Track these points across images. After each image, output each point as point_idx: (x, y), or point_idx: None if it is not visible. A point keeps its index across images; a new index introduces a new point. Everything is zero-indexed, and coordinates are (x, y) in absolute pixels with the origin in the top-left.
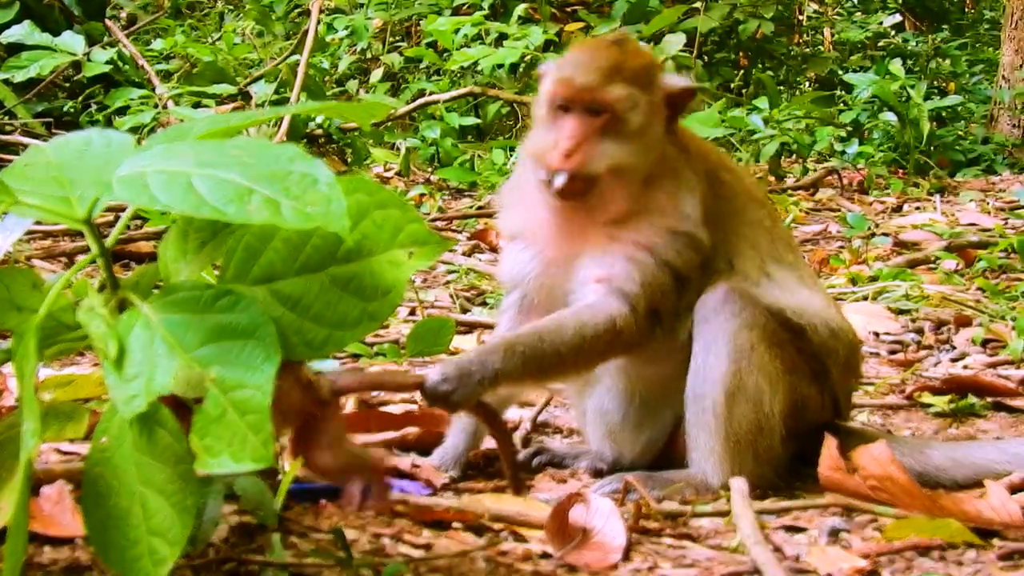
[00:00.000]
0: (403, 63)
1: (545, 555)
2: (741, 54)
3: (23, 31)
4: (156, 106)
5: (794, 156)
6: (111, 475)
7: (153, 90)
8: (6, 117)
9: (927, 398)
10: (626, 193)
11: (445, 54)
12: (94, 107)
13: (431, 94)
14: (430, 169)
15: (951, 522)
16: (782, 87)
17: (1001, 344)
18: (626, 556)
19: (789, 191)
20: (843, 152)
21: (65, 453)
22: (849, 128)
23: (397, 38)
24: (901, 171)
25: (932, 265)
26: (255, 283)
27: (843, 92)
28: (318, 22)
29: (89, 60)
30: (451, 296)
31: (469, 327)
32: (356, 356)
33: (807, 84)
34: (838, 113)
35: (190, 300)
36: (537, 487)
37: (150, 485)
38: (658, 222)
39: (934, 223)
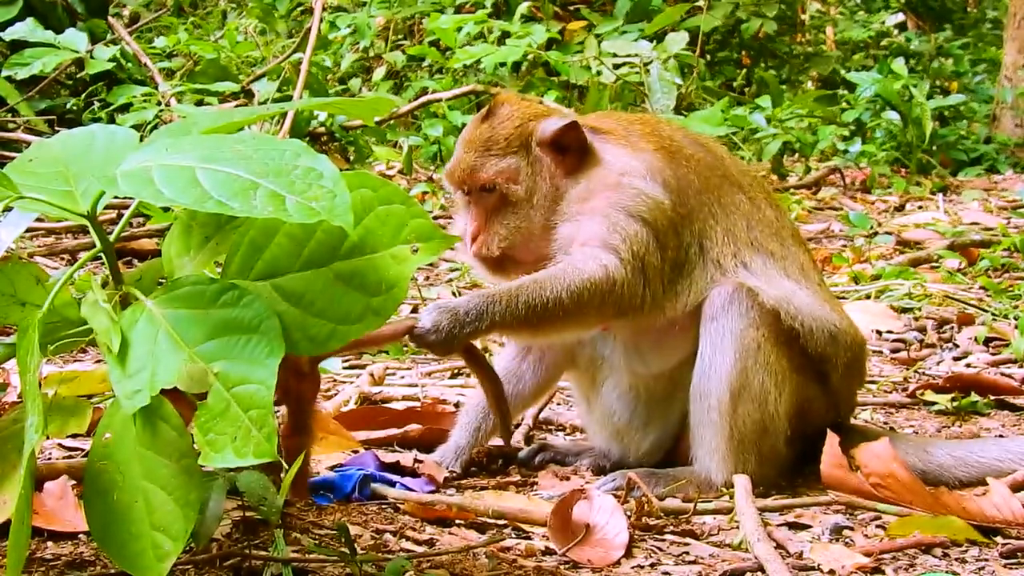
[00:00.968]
0: (406, 61)
1: (548, 551)
2: (744, 53)
3: (26, 28)
4: (159, 104)
5: (797, 155)
6: (114, 470)
7: (156, 88)
8: (9, 114)
9: (930, 396)
10: (536, 243)
11: (448, 52)
12: (97, 105)
13: (433, 92)
14: (432, 167)
15: (954, 520)
16: (784, 86)
17: (1004, 342)
18: (628, 553)
19: (792, 190)
20: (846, 151)
21: (68, 448)
22: (852, 127)
23: (400, 36)
24: (904, 170)
25: (935, 264)
26: (259, 278)
27: (846, 91)
28: (321, 20)
29: (92, 57)
30: (453, 293)
31: None
32: (359, 352)
33: (809, 83)
34: (841, 112)
35: (194, 295)
36: (540, 484)
37: (153, 480)
38: (606, 189)
39: (937, 222)
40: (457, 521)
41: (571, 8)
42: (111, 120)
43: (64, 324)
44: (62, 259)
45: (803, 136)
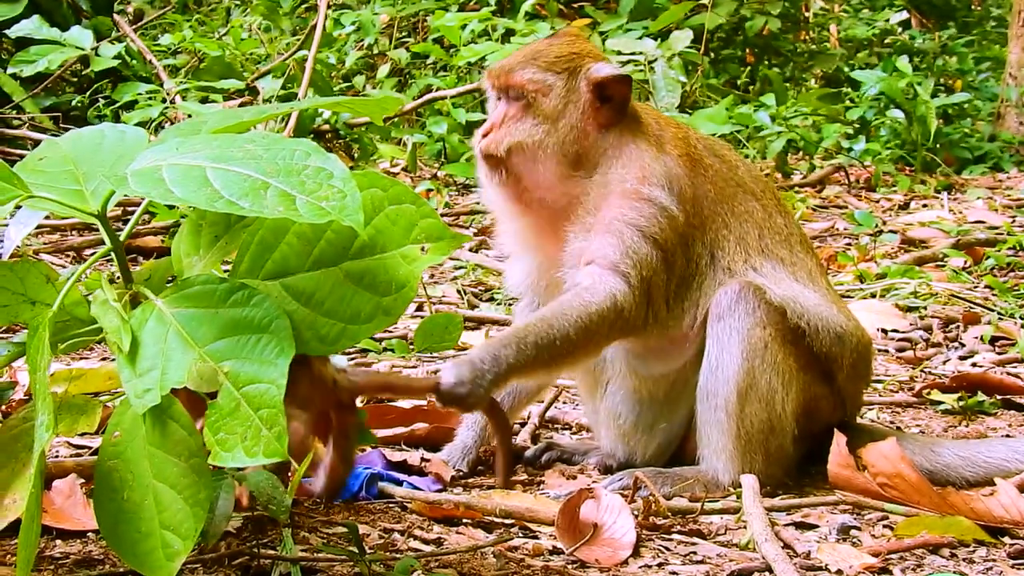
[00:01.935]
0: (410, 59)
1: (555, 551)
2: (748, 51)
3: (31, 26)
4: (164, 101)
5: (801, 153)
6: (124, 469)
7: (161, 85)
8: (14, 111)
9: (936, 396)
10: (543, 172)
11: (452, 50)
12: (102, 102)
13: (438, 90)
14: (437, 165)
15: (961, 520)
16: (789, 84)
17: (1010, 342)
18: (636, 552)
19: (796, 188)
20: (850, 149)
21: (75, 447)
22: (856, 125)
23: (404, 34)
24: (908, 168)
25: (940, 263)
26: (268, 278)
27: (850, 89)
28: (325, 17)
29: (97, 55)
30: (458, 292)
31: (477, 323)
32: (365, 351)
33: (814, 81)
34: (845, 110)
35: (204, 294)
36: (547, 483)
37: (163, 479)
38: (622, 195)
39: (941, 220)
40: (464, 520)
41: (575, 6)
42: (116, 117)
43: (74, 323)
44: (67, 256)
45: (807, 134)
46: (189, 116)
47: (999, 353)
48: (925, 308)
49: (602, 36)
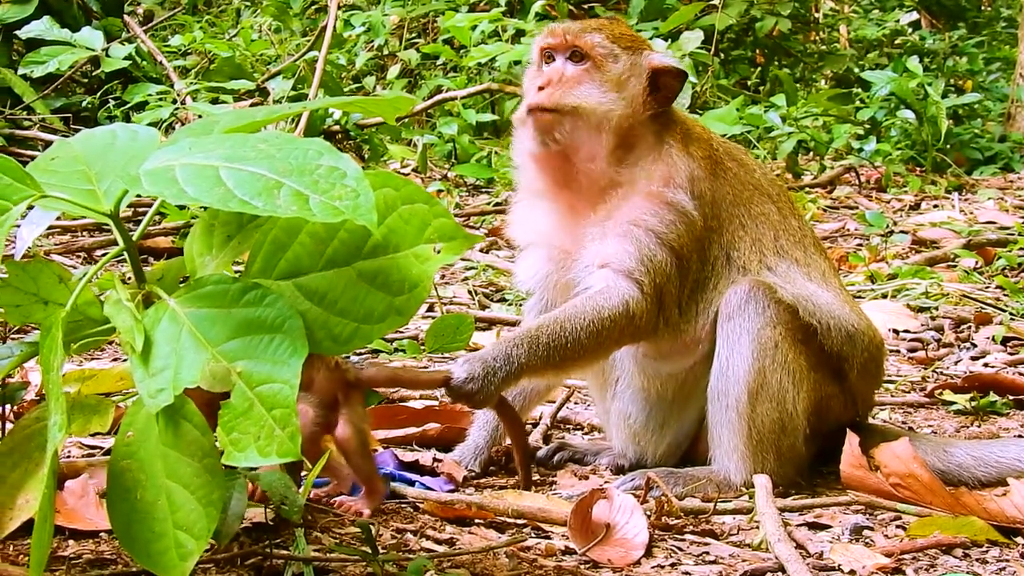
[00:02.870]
0: (420, 60)
1: (568, 551)
2: (758, 51)
3: (42, 27)
4: (174, 102)
5: (811, 154)
6: (137, 469)
7: (171, 86)
8: (24, 112)
9: (948, 396)
10: (598, 145)
11: (462, 51)
12: (112, 103)
13: (448, 91)
14: (447, 165)
15: (974, 520)
16: (799, 84)
17: (1021, 342)
18: (648, 552)
19: (807, 189)
20: (860, 150)
21: (87, 447)
22: (866, 126)
23: (414, 35)
24: (919, 169)
25: (951, 263)
26: (281, 277)
27: (860, 90)
28: (335, 18)
29: (107, 56)
30: (469, 292)
31: (488, 323)
32: (376, 352)
33: (824, 82)
34: (855, 111)
35: (217, 294)
36: (559, 483)
37: (176, 479)
38: (646, 197)
39: (952, 221)
40: (477, 520)
41: (586, 6)
42: (126, 118)
43: (87, 323)
44: (78, 257)
45: (818, 135)
46: (199, 117)
47: (1011, 353)
48: (936, 308)
49: None
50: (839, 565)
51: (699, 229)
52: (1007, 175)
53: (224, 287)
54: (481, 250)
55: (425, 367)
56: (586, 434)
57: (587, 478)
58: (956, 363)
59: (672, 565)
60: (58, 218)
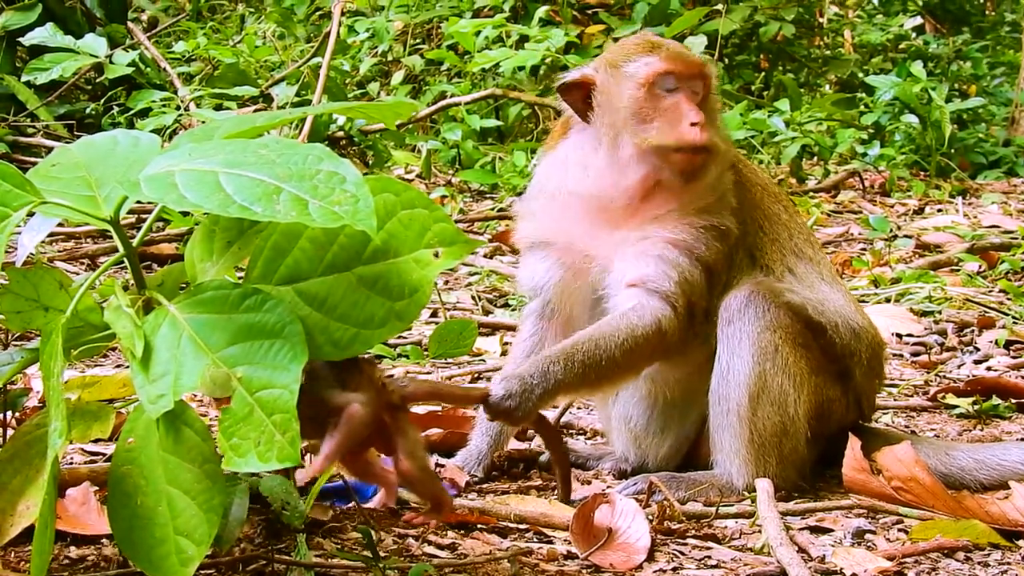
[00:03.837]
0: (424, 65)
1: (570, 555)
2: (762, 56)
3: (45, 33)
4: (178, 108)
5: (815, 158)
6: (138, 474)
7: (175, 92)
8: (28, 119)
9: (951, 400)
10: (716, 174)
11: (466, 56)
12: (116, 109)
13: (452, 96)
14: (451, 171)
15: (976, 523)
16: (803, 89)
17: None
18: (650, 557)
19: (811, 193)
20: (864, 154)
21: (89, 453)
22: (870, 130)
23: (418, 40)
24: (923, 173)
25: (955, 267)
26: (281, 283)
27: (864, 94)
28: (339, 24)
29: (111, 62)
30: (473, 298)
31: (491, 329)
32: (380, 357)
33: (828, 86)
34: (859, 115)
35: (217, 300)
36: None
37: (177, 484)
38: (692, 216)
39: (956, 225)
40: (479, 526)
41: (589, 12)
42: (130, 125)
43: (87, 329)
44: (82, 264)
45: (822, 139)
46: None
47: (1014, 357)
48: (940, 312)
49: (616, 42)
50: (841, 569)
51: (733, 239)
52: (1011, 179)
53: (224, 293)
54: (485, 255)
55: (428, 373)
56: (589, 439)
57: (589, 483)
58: (959, 367)
59: (674, 569)
60: (61, 225)
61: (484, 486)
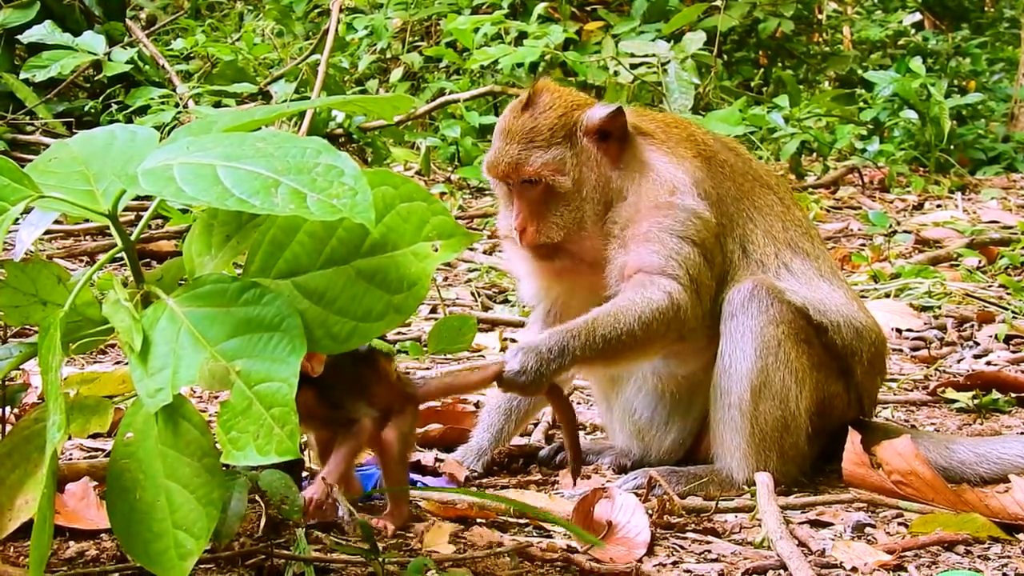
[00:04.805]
0: (423, 62)
1: (570, 550)
2: (761, 53)
3: (44, 31)
4: (176, 105)
5: (815, 154)
6: (136, 469)
7: (173, 90)
8: (27, 117)
9: (951, 394)
10: (588, 235)
11: (465, 53)
12: (115, 107)
13: (451, 93)
14: (450, 168)
15: (976, 517)
16: (802, 85)
17: None
18: (650, 551)
19: (810, 189)
20: (864, 150)
21: (88, 449)
22: (870, 126)
23: (417, 38)
24: (922, 169)
25: (954, 262)
26: (280, 276)
27: (863, 90)
28: (338, 22)
29: (110, 60)
30: (472, 294)
31: (491, 324)
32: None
33: (827, 83)
34: (858, 111)
35: (215, 293)
36: (561, 483)
37: (175, 479)
38: (654, 209)
39: (956, 220)
40: (479, 520)
41: (588, 8)
42: (129, 122)
43: (85, 323)
44: (81, 261)
45: (821, 135)
46: None
47: (1013, 351)
48: (939, 307)
49: (615, 39)
50: (841, 563)
51: (713, 226)
52: (1010, 175)
53: (222, 286)
54: (484, 252)
55: (427, 368)
56: (588, 434)
57: (589, 477)
58: (959, 361)
59: (674, 563)
60: (60, 222)
61: (484, 481)
